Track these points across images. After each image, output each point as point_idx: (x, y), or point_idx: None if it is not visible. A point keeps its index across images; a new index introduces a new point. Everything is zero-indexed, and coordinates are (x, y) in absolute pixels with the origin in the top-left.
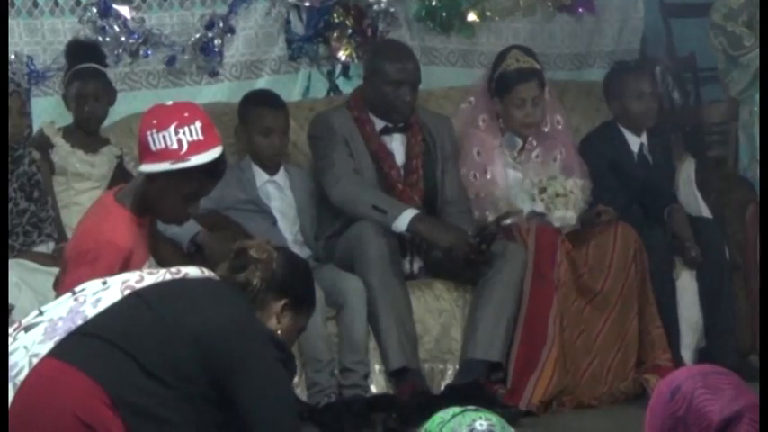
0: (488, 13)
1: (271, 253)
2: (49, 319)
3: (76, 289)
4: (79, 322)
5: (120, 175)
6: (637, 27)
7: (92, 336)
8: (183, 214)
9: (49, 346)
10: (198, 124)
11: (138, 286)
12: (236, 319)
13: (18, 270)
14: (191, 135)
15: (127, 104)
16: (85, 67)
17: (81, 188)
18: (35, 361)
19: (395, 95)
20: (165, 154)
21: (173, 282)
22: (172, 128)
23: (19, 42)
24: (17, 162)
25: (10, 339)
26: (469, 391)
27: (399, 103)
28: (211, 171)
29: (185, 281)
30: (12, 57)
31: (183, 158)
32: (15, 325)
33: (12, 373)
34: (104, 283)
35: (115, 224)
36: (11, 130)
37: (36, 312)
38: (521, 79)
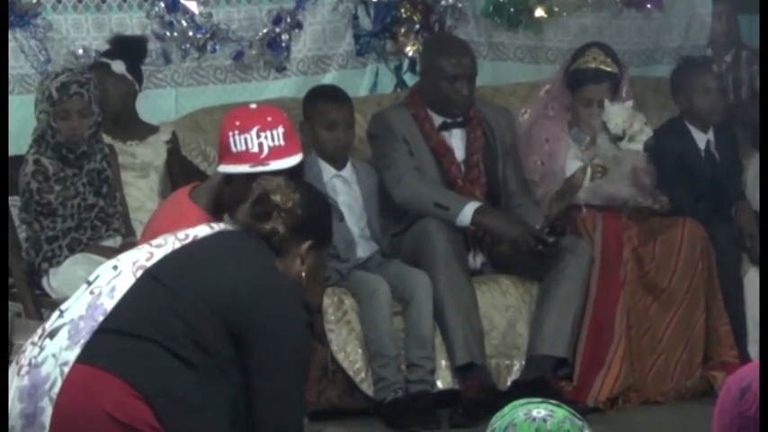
0: (556, 9)
1: (294, 199)
2: (70, 319)
3: (91, 278)
4: (100, 318)
5: (176, 162)
6: (704, 23)
7: (114, 332)
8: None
9: (76, 351)
10: (280, 130)
11: (149, 264)
12: (251, 276)
13: (85, 264)
14: (272, 140)
15: (194, 99)
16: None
17: (125, 179)
18: (66, 370)
19: (452, 90)
20: (245, 156)
21: (182, 249)
22: (254, 131)
23: (87, 37)
24: (82, 159)
25: (36, 350)
26: (536, 387)
27: (457, 97)
28: (290, 177)
29: (194, 245)
30: (80, 51)
31: (263, 162)
32: (39, 332)
33: (46, 387)
34: (115, 267)
35: (189, 224)
36: (68, 132)
37: (57, 314)
38: (592, 80)
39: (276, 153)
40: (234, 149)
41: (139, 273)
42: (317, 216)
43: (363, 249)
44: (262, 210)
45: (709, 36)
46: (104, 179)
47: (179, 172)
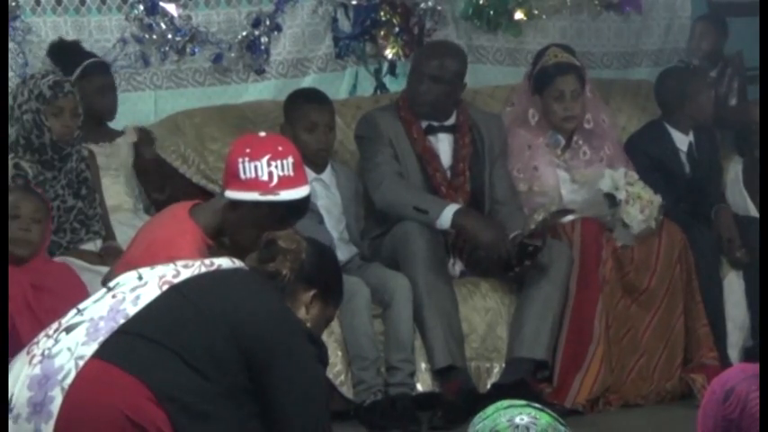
0: (535, 12)
1: (300, 243)
2: (89, 318)
3: (111, 284)
4: (121, 321)
5: (144, 163)
6: (684, 26)
7: (135, 335)
8: (257, 245)
9: (94, 347)
10: (290, 160)
11: (176, 281)
12: (270, 308)
13: None
14: (282, 170)
15: (173, 102)
16: (96, 61)
17: (104, 182)
18: (81, 363)
19: (426, 90)
20: (254, 184)
21: (208, 274)
22: (265, 159)
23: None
24: (63, 161)
25: (51, 341)
26: (515, 390)
27: (430, 97)
28: (296, 209)
29: (219, 272)
30: None
31: (273, 191)
32: (55, 326)
33: (58, 377)
34: (140, 278)
35: (190, 243)
36: (61, 130)
37: (74, 311)
38: (559, 72)
39: (286, 183)
40: (243, 176)
41: (165, 287)
42: (322, 267)
43: (343, 252)
44: (268, 253)
45: (688, 47)
46: (83, 180)
47: (153, 171)
